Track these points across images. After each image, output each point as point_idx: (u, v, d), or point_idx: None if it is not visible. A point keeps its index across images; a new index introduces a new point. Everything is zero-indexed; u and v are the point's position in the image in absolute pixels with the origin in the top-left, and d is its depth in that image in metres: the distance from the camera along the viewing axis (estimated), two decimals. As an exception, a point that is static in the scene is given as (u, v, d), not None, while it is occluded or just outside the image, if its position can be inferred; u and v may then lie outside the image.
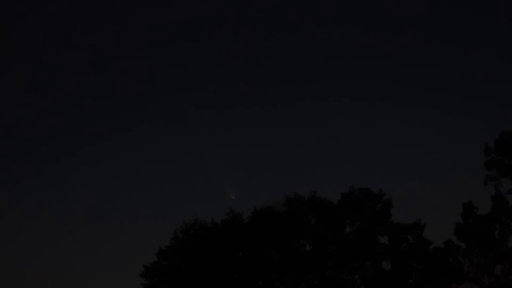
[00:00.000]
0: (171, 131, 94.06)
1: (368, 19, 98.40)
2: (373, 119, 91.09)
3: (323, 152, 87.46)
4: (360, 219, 44.88)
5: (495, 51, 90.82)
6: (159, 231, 70.02)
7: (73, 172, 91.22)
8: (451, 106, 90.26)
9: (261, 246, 44.23)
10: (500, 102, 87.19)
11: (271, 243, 44.29)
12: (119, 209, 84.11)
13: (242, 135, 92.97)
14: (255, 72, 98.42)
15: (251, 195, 76.43)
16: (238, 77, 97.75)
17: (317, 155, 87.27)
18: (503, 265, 41.94)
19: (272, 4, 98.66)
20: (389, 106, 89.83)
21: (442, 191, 71.03)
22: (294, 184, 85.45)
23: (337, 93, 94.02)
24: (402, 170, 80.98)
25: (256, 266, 43.60)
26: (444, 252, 43.08)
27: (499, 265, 42.04)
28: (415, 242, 44.00)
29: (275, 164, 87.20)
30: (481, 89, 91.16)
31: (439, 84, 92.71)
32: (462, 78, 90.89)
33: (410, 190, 70.31)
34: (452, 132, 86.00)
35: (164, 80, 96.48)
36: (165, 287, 44.26)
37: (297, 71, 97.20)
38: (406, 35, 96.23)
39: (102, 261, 72.93)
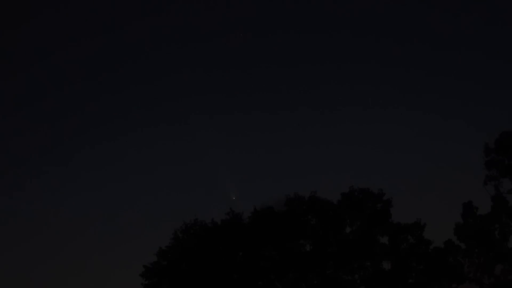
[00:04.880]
0: (173, 134, 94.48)
1: (366, 24, 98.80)
2: (374, 122, 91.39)
3: (324, 154, 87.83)
4: (360, 219, 44.85)
5: (494, 54, 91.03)
6: (159, 231, 70.26)
7: (75, 175, 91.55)
8: (451, 107, 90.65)
9: (261, 246, 44.19)
10: (500, 103, 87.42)
11: (271, 243, 44.25)
12: (120, 210, 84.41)
13: (244, 138, 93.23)
14: (257, 76, 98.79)
15: (252, 196, 76.70)
16: (239, 81, 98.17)
17: (317, 157, 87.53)
18: (503, 265, 41.93)
19: (274, 7, 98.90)
20: (389, 109, 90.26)
21: (442, 191, 71.13)
22: (294, 187, 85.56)
23: (337, 96, 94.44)
24: (402, 170, 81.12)
25: (256, 266, 43.56)
26: (444, 252, 43.06)
27: (499, 265, 42.05)
28: (415, 242, 43.95)
29: (276, 166, 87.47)
30: (482, 90, 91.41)
31: (440, 87, 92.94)
32: (461, 80, 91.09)
33: (410, 190, 70.40)
34: (452, 133, 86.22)
35: (166, 83, 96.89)
36: (165, 287, 44.26)
37: (298, 76, 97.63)
38: (404, 39, 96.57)
39: (103, 262, 72.99)
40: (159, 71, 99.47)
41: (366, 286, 43.59)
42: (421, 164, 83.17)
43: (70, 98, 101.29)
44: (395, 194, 45.64)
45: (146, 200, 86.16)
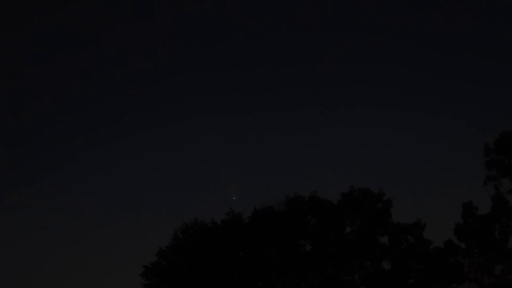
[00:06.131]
0: (173, 134, 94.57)
1: (366, 24, 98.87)
2: (373, 123, 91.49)
3: (324, 154, 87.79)
4: (360, 219, 44.83)
5: (494, 54, 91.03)
6: (159, 231, 70.30)
7: (76, 175, 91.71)
8: (451, 107, 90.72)
9: (261, 246, 44.20)
10: (500, 103, 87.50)
11: (271, 243, 44.26)
12: (120, 211, 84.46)
13: (244, 138, 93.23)
14: (257, 76, 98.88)
15: (252, 196, 76.78)
16: (239, 81, 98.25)
17: (317, 157, 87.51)
18: (503, 265, 41.89)
19: (275, 8, 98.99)
20: (389, 110, 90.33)
21: (442, 191, 71.14)
22: (294, 187, 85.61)
23: (337, 96, 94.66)
24: (402, 170, 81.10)
25: (256, 266, 43.58)
26: (444, 252, 43.04)
27: (499, 265, 41.99)
28: (415, 242, 43.95)
29: (276, 166, 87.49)
30: (482, 90, 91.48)
31: (440, 87, 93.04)
32: (461, 80, 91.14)
33: (410, 190, 70.40)
34: (452, 133, 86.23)
35: (166, 84, 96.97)
36: (165, 287, 44.26)
37: (298, 76, 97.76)
38: (404, 40, 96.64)
39: (104, 262, 72.99)
40: (159, 71, 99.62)
41: (366, 286, 43.57)
42: (421, 164, 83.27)
43: (71, 99, 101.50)
44: (395, 194, 45.74)
45: (146, 200, 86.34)
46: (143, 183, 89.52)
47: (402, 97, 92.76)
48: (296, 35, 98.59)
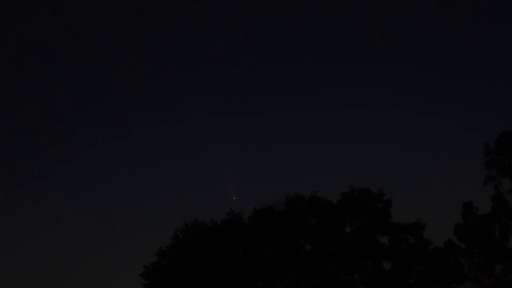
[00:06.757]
0: (173, 134, 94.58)
1: (366, 25, 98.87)
2: (374, 122, 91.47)
3: (324, 154, 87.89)
4: (360, 219, 44.84)
5: (494, 53, 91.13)
6: (159, 231, 70.39)
7: (76, 175, 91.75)
8: (451, 107, 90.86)
9: (261, 246, 44.20)
10: (500, 103, 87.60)
11: (271, 243, 44.27)
12: (120, 210, 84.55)
13: (244, 138, 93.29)
14: (257, 76, 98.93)
15: (252, 196, 76.85)
16: (240, 81, 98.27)
17: (317, 157, 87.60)
18: (503, 265, 41.92)
19: (275, 8, 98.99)
20: (389, 110, 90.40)
21: (442, 191, 71.20)
22: (294, 187, 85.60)
23: (337, 97, 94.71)
24: (403, 170, 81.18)
25: (256, 266, 43.58)
26: (444, 252, 43.05)
27: (499, 265, 42.03)
28: (415, 242, 43.96)
29: (276, 166, 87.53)
30: (482, 90, 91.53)
31: (440, 88, 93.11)
32: (461, 80, 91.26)
33: (410, 190, 70.43)
34: (452, 133, 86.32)
35: (167, 84, 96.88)
36: (165, 287, 44.27)
37: (299, 76, 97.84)
38: (404, 40, 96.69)
39: (104, 262, 73.05)
40: (159, 71, 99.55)
41: (366, 286, 43.60)
42: (421, 164, 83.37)
43: (71, 98, 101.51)
44: (395, 194, 45.73)
45: (147, 200, 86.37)
46: (143, 183, 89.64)
47: (403, 97, 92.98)
48: (297, 35, 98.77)
